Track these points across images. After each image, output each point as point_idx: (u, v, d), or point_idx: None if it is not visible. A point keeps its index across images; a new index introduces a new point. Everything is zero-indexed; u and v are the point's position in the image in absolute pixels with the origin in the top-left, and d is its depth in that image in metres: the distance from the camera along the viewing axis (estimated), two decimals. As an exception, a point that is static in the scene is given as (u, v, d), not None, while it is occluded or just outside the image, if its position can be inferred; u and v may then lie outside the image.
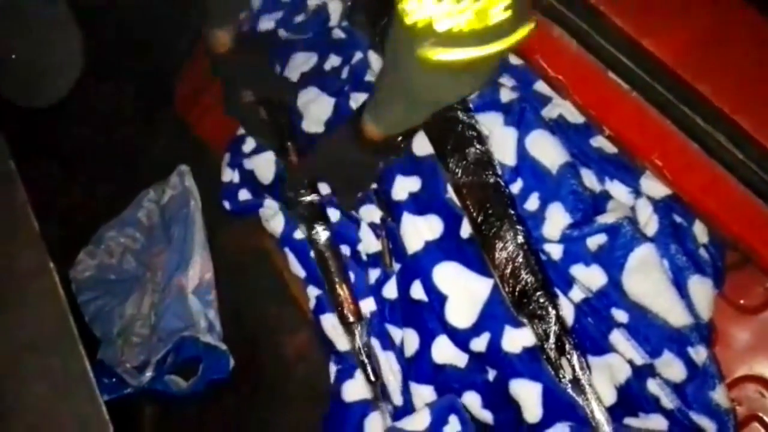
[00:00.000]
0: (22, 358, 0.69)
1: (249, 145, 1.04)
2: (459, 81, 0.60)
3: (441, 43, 0.49)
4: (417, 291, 0.84)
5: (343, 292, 0.89)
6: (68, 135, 1.16)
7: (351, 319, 0.88)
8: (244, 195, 1.03)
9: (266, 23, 1.13)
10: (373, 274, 0.91)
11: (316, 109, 1.03)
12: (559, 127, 0.84)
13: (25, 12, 0.93)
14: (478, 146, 0.83)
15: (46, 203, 0.80)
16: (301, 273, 0.97)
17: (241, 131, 1.05)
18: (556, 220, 0.78)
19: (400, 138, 0.87)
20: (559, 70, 0.70)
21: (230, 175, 1.04)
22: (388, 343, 0.86)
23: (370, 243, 0.94)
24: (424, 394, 0.81)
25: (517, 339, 0.76)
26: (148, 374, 1.03)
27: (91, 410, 0.65)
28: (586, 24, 0.65)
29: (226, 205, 1.04)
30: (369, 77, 1.01)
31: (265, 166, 0.98)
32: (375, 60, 1.01)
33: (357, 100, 1.00)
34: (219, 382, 1.04)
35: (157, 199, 1.14)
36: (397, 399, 0.84)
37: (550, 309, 0.74)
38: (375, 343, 0.87)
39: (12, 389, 0.67)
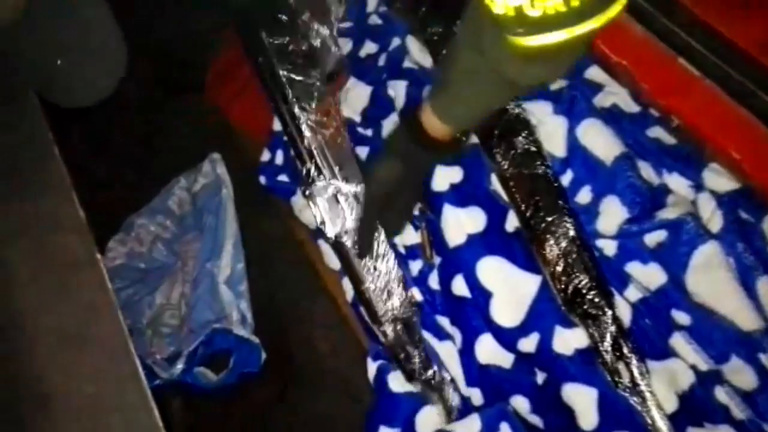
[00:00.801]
0: (70, 352, 0.65)
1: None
2: (550, 65, 0.56)
3: (533, 29, 0.46)
4: (459, 286, 0.80)
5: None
6: (97, 121, 1.12)
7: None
8: (282, 178, 0.99)
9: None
10: (415, 265, 0.86)
11: (353, 97, 0.98)
12: (612, 117, 0.78)
13: (67, 13, 0.89)
14: (526, 136, 0.78)
15: (76, 189, 0.75)
16: (336, 265, 0.92)
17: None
18: (612, 214, 0.73)
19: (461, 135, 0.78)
20: (623, 55, 0.65)
21: (272, 157, 1.01)
22: (443, 334, 0.81)
23: (408, 235, 0.88)
24: (473, 396, 0.75)
25: (569, 340, 0.72)
26: (179, 366, 0.99)
27: (143, 415, 0.61)
28: (652, 6, 0.59)
29: (262, 179, 1.01)
30: (407, 64, 0.96)
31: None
32: (414, 46, 0.96)
33: (395, 87, 0.95)
34: (249, 376, 1.00)
35: (188, 186, 1.10)
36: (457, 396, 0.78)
37: (605, 309, 0.69)
38: (428, 335, 0.81)
39: (59, 384, 0.63)
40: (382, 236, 0.85)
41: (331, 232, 0.86)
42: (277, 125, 1.03)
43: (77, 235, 0.74)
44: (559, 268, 0.72)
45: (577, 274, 0.71)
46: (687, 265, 0.68)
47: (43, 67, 0.89)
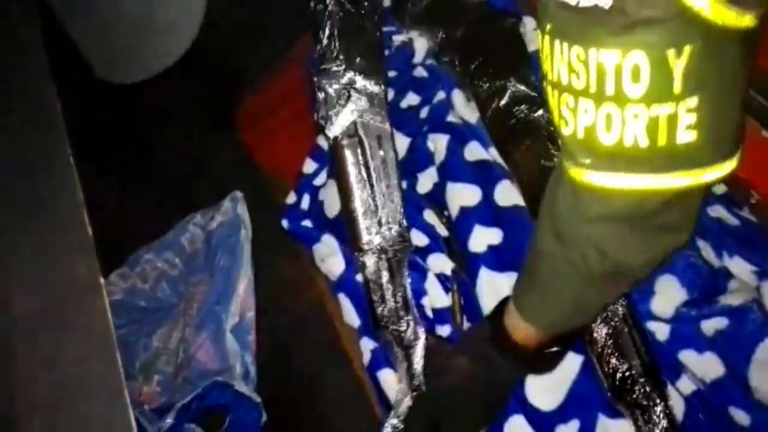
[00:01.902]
0: (62, 396, 0.62)
1: (322, 177, 1.02)
2: (633, 233, 0.46)
3: (602, 163, 0.41)
4: (491, 359, 0.77)
5: None
6: (124, 143, 1.14)
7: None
8: (306, 223, 1.00)
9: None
10: (443, 331, 0.84)
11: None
12: (670, 191, 0.77)
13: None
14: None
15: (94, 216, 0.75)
16: (355, 322, 0.90)
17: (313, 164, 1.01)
18: (669, 295, 0.71)
19: (557, 344, 0.67)
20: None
21: (297, 200, 1.01)
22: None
23: (437, 297, 0.87)
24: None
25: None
26: (169, 421, 0.95)
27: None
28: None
29: (284, 223, 1.01)
30: (451, 118, 0.98)
31: (335, 197, 0.94)
32: (459, 101, 0.97)
33: (435, 141, 0.96)
34: (246, 439, 0.96)
35: (204, 224, 1.10)
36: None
37: (657, 400, 0.67)
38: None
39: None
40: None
41: (332, 131, 0.82)
42: (307, 168, 1.05)
43: (83, 259, 0.73)
44: (607, 350, 0.70)
45: (628, 358, 0.68)
46: (750, 359, 0.66)
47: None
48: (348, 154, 0.83)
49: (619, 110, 0.39)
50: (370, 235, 0.84)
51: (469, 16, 0.97)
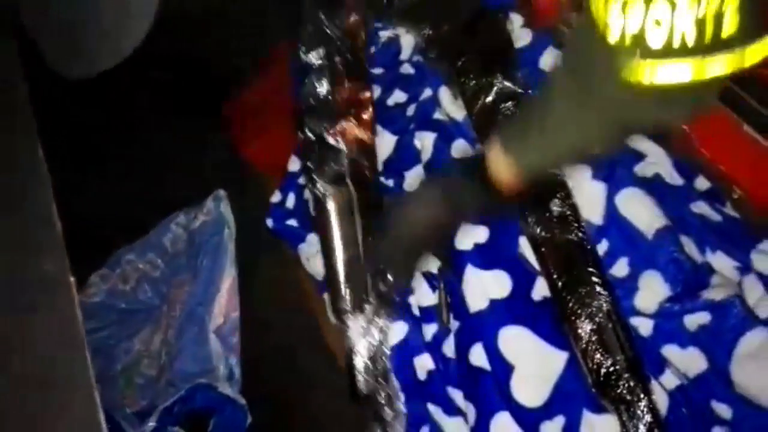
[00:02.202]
0: (26, 392, 0.62)
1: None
2: (669, 104, 0.50)
3: (653, 62, 0.43)
4: (477, 356, 0.79)
5: None
6: (106, 140, 1.14)
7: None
8: (291, 222, 1.00)
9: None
10: (428, 329, 0.85)
11: (377, 146, 1.00)
12: (654, 188, 0.79)
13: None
14: (562, 199, 0.79)
15: (67, 212, 0.75)
16: (341, 322, 0.91)
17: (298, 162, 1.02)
18: (653, 290, 0.73)
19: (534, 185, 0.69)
20: (684, 120, 0.66)
21: (282, 199, 1.01)
22: (453, 409, 0.79)
23: (424, 295, 0.88)
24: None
25: (598, 427, 0.70)
26: (151, 424, 0.96)
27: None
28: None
29: (269, 222, 1.01)
30: (438, 116, 0.99)
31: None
32: (446, 98, 0.98)
33: (422, 139, 0.97)
34: (231, 441, 0.97)
35: (186, 224, 1.10)
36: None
37: (641, 395, 0.68)
38: (434, 409, 0.79)
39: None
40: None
41: (319, 180, 0.83)
42: (292, 165, 1.05)
43: (53, 257, 0.72)
44: (591, 346, 0.71)
45: (612, 353, 0.70)
46: (732, 353, 0.67)
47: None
48: (332, 207, 0.81)
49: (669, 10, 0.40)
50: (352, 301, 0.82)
51: (459, 12, 0.98)
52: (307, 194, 1.00)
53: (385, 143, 1.00)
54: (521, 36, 0.94)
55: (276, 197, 1.04)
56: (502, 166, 0.64)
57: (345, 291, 0.83)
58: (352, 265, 0.82)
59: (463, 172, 0.69)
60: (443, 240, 0.77)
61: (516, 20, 0.96)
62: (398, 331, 0.87)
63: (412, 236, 0.72)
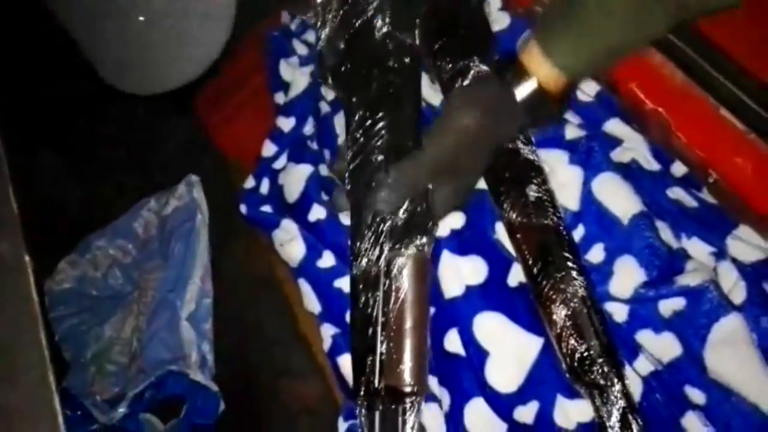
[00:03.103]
0: None
1: (282, 161, 1.00)
2: None
3: None
4: (453, 342, 0.77)
5: None
6: (76, 127, 1.10)
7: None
8: (265, 208, 0.97)
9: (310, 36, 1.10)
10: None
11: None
12: (630, 173, 0.79)
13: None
14: (539, 184, 0.78)
15: (36, 197, 0.72)
16: (316, 308, 0.89)
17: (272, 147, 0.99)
18: (628, 276, 0.72)
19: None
20: (659, 102, 0.65)
21: (256, 185, 0.99)
22: (428, 396, 0.78)
23: (399, 282, 0.86)
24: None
25: (571, 412, 0.69)
26: (121, 410, 0.94)
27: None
28: (695, 53, 0.60)
29: (243, 208, 0.98)
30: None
31: (295, 181, 0.93)
32: (424, 84, 0.96)
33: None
34: (203, 428, 0.95)
35: (158, 209, 1.08)
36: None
37: (615, 380, 0.67)
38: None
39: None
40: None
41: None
42: (266, 151, 1.03)
43: (8, 238, 0.69)
44: (565, 331, 0.70)
45: (586, 338, 0.69)
46: (706, 338, 0.67)
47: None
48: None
49: None
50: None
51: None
52: (281, 179, 0.98)
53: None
54: (498, 19, 0.92)
55: (249, 183, 1.01)
56: (545, 70, 0.59)
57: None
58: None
59: (499, 82, 0.63)
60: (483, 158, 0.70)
61: (494, 2, 0.94)
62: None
63: (454, 148, 0.65)
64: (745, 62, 0.60)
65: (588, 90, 0.83)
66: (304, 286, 0.91)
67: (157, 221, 1.08)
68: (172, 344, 0.95)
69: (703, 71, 0.62)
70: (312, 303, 0.90)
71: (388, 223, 0.71)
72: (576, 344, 0.69)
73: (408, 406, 0.69)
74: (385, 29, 0.94)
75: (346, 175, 0.78)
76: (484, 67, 0.86)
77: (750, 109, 0.60)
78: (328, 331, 0.87)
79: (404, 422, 0.69)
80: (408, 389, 0.70)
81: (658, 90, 0.66)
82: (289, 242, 0.94)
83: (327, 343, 0.86)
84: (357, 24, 0.85)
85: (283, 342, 0.93)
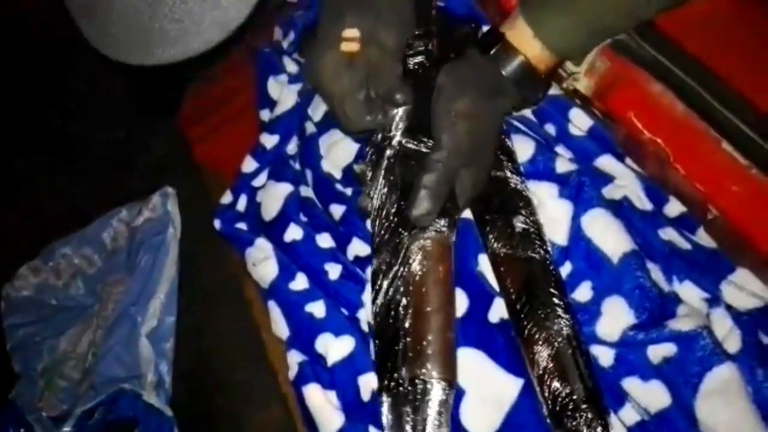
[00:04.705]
0: None
1: (261, 178, 0.94)
2: None
3: None
4: (427, 378, 0.70)
5: None
6: (50, 129, 1.04)
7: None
8: (240, 225, 0.91)
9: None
10: (378, 347, 0.76)
11: (337, 153, 0.93)
12: (622, 211, 0.74)
13: None
14: (526, 215, 0.73)
15: (3, 199, 0.65)
16: (284, 333, 0.82)
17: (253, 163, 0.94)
18: (616, 317, 0.66)
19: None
20: (658, 133, 0.61)
21: (233, 201, 0.94)
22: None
23: (377, 312, 0.80)
24: None
25: (551, 460, 0.62)
26: (66, 429, 0.85)
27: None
28: (696, 83, 0.56)
29: (217, 224, 0.92)
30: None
31: (274, 200, 0.88)
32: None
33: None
34: (154, 455, 0.86)
35: (129, 219, 1.01)
36: None
37: (598, 429, 0.61)
38: (376, 433, 0.71)
39: None
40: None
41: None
42: (246, 167, 0.97)
43: None
44: (548, 372, 0.64)
45: (570, 381, 0.63)
46: (697, 388, 0.61)
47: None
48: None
49: None
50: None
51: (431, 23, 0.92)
52: (259, 197, 0.92)
53: (348, 151, 0.93)
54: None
55: (227, 198, 0.95)
56: (532, 49, 0.57)
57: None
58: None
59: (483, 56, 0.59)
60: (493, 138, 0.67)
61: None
62: (343, 347, 0.78)
63: (468, 137, 0.61)
64: (747, 93, 0.56)
65: (581, 125, 0.79)
66: (274, 310, 0.84)
67: (126, 232, 1.00)
68: (128, 361, 0.87)
69: (704, 102, 0.58)
70: (280, 328, 0.83)
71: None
72: (559, 387, 0.63)
73: (434, 396, 0.63)
74: None
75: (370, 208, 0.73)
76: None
77: (752, 142, 0.56)
78: (294, 358, 0.79)
79: (431, 414, 0.63)
80: (434, 378, 0.64)
81: (656, 120, 0.62)
82: (262, 262, 0.87)
83: (293, 371, 0.79)
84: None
85: (246, 367, 0.85)
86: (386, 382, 0.66)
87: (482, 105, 0.60)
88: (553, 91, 0.79)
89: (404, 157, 0.72)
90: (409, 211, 0.64)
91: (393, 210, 0.71)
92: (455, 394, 0.67)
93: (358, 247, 0.85)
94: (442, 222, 0.69)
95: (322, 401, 0.74)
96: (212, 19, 0.87)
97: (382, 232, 0.72)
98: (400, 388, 0.64)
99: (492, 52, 0.60)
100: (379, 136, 0.76)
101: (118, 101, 1.08)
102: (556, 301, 0.67)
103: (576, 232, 0.73)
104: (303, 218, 0.90)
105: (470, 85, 0.60)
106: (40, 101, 1.04)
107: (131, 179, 1.06)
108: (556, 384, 0.63)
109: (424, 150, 0.70)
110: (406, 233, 0.69)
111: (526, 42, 0.57)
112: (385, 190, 0.73)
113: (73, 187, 1.04)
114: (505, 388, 0.68)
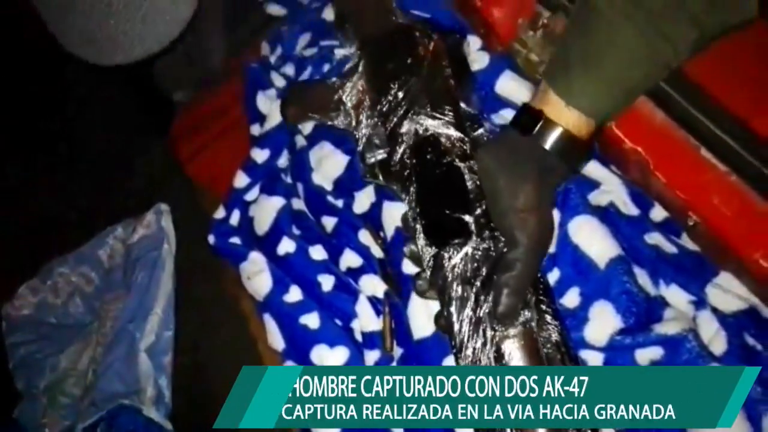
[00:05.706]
0: None
1: (254, 193, 0.94)
2: None
3: None
4: (420, 387, 0.70)
5: None
6: (44, 147, 1.04)
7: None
8: (234, 240, 0.91)
9: (289, 69, 1.05)
10: (371, 356, 0.77)
11: (327, 166, 0.93)
12: (608, 217, 0.74)
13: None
14: (514, 224, 0.73)
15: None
16: (279, 345, 0.83)
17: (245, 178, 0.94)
18: (604, 322, 0.66)
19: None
20: (639, 142, 0.61)
21: (227, 216, 0.94)
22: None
23: (368, 320, 0.80)
24: None
25: (543, 465, 0.61)
26: (67, 446, 0.85)
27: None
28: (675, 92, 0.56)
29: (211, 239, 0.92)
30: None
31: (266, 214, 0.88)
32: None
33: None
34: (155, 470, 0.86)
35: (124, 237, 1.01)
36: None
37: (589, 432, 0.60)
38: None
39: None
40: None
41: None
42: (238, 182, 0.97)
43: None
44: (539, 378, 0.64)
45: (560, 386, 0.62)
46: (685, 391, 0.61)
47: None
48: None
49: None
50: None
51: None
52: (251, 211, 0.92)
53: (337, 162, 0.93)
54: (478, 59, 0.88)
55: (220, 213, 0.95)
56: (570, 118, 0.54)
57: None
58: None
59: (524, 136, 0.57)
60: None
61: (474, 43, 0.90)
62: (338, 357, 0.79)
63: (538, 227, 0.59)
64: (726, 101, 0.56)
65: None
66: (269, 322, 0.84)
67: (122, 249, 1.01)
68: (127, 377, 0.87)
69: (683, 110, 0.58)
70: (276, 340, 0.83)
71: (485, 307, 0.62)
72: (549, 393, 0.62)
73: None
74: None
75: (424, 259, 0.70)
76: (463, 106, 0.82)
77: (732, 150, 0.56)
78: (291, 371, 0.79)
79: None
80: None
81: (637, 129, 0.62)
82: (256, 275, 0.88)
83: (290, 384, 0.78)
84: (395, 119, 0.79)
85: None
86: None
87: (542, 191, 0.58)
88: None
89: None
90: (495, 310, 0.60)
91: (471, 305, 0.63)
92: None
93: (350, 259, 0.85)
94: (527, 314, 0.63)
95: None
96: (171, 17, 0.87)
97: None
98: None
99: (535, 130, 0.57)
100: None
101: (115, 108, 1.07)
102: (544, 307, 0.67)
103: (563, 238, 0.73)
104: (296, 231, 0.90)
105: (524, 172, 0.57)
106: (40, 102, 1.03)
107: (125, 196, 1.06)
108: (546, 390, 0.63)
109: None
110: (489, 329, 0.63)
111: (561, 112, 0.55)
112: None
113: (67, 207, 1.04)
114: (498, 394, 0.68)
